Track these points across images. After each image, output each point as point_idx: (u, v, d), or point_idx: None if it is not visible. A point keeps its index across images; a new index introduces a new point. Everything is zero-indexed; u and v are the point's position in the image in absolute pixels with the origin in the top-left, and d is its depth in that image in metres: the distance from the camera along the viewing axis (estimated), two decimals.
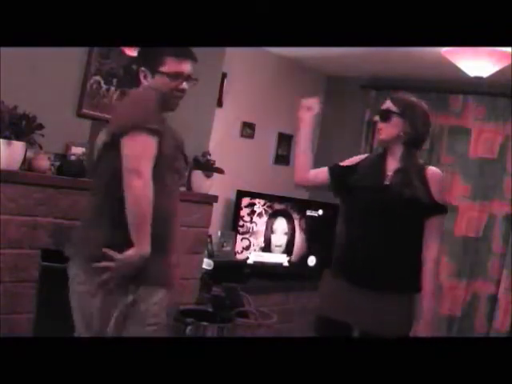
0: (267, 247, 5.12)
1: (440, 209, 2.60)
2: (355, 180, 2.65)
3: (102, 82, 3.61)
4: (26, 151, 3.06)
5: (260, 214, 5.04)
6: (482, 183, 5.06)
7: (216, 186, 4.23)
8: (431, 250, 2.56)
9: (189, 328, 3.44)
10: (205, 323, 3.48)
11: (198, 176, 4.11)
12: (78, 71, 3.49)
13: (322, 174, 2.76)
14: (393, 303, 2.56)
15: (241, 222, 4.91)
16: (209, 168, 4.13)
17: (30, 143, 3.07)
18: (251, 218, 4.99)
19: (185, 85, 2.45)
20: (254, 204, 5.00)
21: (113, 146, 2.32)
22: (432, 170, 2.64)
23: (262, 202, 5.04)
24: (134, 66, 3.68)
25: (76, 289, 2.37)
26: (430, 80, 5.15)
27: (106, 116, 3.34)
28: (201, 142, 4.21)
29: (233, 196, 4.95)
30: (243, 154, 5.12)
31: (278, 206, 5.15)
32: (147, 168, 2.26)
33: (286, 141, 5.52)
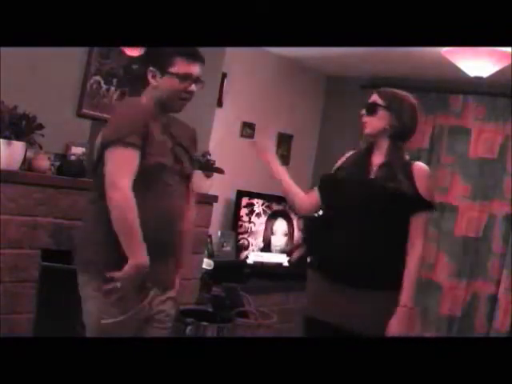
0: (266, 247, 5.12)
1: (425, 205, 2.54)
2: (342, 176, 2.62)
3: (102, 82, 3.61)
4: (26, 151, 3.06)
5: (258, 214, 5.05)
6: (482, 183, 5.06)
7: (216, 186, 4.22)
8: (416, 248, 2.51)
9: (189, 328, 3.44)
10: (205, 323, 3.48)
11: (198, 176, 4.10)
12: (78, 71, 3.49)
13: (314, 199, 2.74)
14: (375, 301, 2.49)
15: (239, 222, 4.92)
16: (209, 168, 4.13)
17: (30, 143, 3.06)
18: (249, 218, 4.99)
19: (193, 87, 2.44)
20: (252, 204, 5.00)
21: (103, 155, 2.35)
22: (419, 165, 2.59)
23: (261, 202, 5.05)
24: (135, 66, 3.71)
25: (90, 294, 2.37)
26: (429, 80, 5.15)
27: (106, 116, 3.34)
28: (201, 142, 4.20)
29: (233, 196, 4.95)
30: (243, 154, 5.11)
31: (276, 207, 5.15)
32: (125, 180, 2.26)
33: (286, 141, 5.51)
